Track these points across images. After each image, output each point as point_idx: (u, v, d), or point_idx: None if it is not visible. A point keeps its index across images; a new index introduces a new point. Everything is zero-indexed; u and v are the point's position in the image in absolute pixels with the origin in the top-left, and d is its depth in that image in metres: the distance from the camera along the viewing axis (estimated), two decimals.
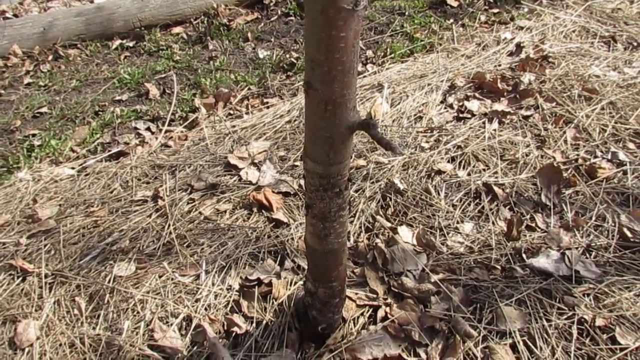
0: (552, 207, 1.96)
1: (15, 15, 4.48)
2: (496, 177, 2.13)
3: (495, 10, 3.75)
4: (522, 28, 3.27)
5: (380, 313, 1.63)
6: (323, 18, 0.84)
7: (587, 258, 1.74)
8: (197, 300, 1.70)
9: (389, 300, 1.66)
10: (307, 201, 1.18)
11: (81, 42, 3.89)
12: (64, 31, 3.83)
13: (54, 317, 1.69)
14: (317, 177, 1.09)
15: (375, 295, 1.68)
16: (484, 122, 2.44)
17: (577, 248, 1.78)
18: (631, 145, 2.20)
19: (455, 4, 3.93)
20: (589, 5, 3.43)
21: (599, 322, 1.52)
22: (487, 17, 3.67)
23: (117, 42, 3.90)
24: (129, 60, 3.72)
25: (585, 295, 1.61)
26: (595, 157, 2.17)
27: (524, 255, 1.78)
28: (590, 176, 2.08)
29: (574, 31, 3.13)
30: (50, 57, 3.76)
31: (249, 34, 3.86)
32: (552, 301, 1.61)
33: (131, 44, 3.91)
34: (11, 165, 2.60)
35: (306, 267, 1.65)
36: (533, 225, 1.92)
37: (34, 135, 2.90)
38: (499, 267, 1.76)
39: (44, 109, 3.15)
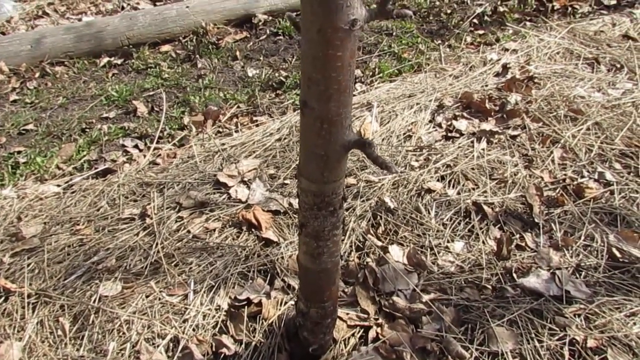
0: (541, 226, 1.97)
1: (2, 33, 4.45)
2: (485, 196, 2.14)
3: (481, 32, 3.82)
4: (507, 50, 3.33)
5: (372, 333, 1.61)
6: (320, 37, 0.84)
7: (577, 278, 1.75)
8: (184, 321, 1.66)
9: (380, 321, 1.64)
10: (300, 220, 1.17)
11: (69, 59, 3.86)
12: (52, 48, 3.80)
13: (36, 338, 1.64)
14: (311, 196, 1.09)
15: (366, 316, 1.67)
16: (472, 142, 2.46)
17: (567, 268, 1.79)
18: (617, 166, 2.23)
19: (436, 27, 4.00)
20: (572, 27, 3.52)
21: (591, 343, 1.51)
22: (473, 38, 3.74)
23: (105, 59, 3.88)
24: (117, 77, 3.70)
25: (576, 316, 1.62)
26: (583, 177, 2.20)
27: (514, 275, 1.78)
28: (578, 196, 2.10)
29: (558, 53, 3.20)
30: (37, 74, 3.73)
31: (238, 53, 3.87)
32: (544, 321, 1.61)
33: (119, 62, 3.89)
34: None
35: (297, 286, 1.64)
36: (523, 244, 1.92)
37: (19, 152, 2.85)
38: (489, 286, 1.75)
39: (30, 126, 3.11)
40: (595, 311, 1.62)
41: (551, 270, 1.77)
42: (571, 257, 1.84)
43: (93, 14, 4.91)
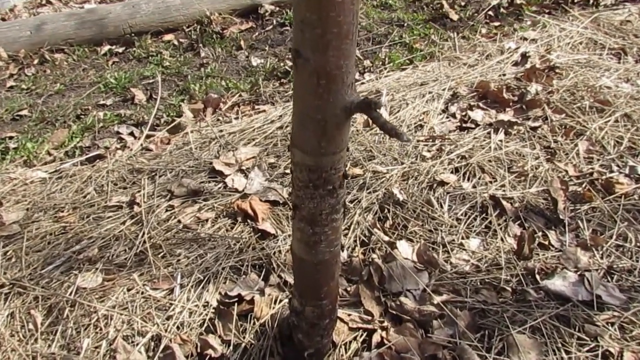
0: (566, 223, 1.79)
1: (3, 19, 4.34)
2: (504, 190, 1.95)
3: (497, 24, 3.63)
4: (526, 39, 3.14)
5: (376, 338, 1.43)
6: None
7: (608, 281, 1.56)
8: (168, 318, 1.50)
9: (385, 324, 1.47)
10: (294, 201, 1.00)
11: (69, 46, 3.73)
12: (52, 35, 3.68)
13: (5, 331, 1.48)
14: (306, 171, 0.91)
15: (370, 318, 1.49)
16: (489, 133, 2.28)
17: (597, 270, 1.59)
18: None
19: (455, 17, 3.82)
20: (596, 17, 3.32)
21: (627, 356, 1.32)
22: (489, 30, 3.56)
23: (106, 47, 3.74)
24: (117, 65, 3.56)
25: (610, 325, 1.42)
26: (612, 171, 2.01)
27: (537, 277, 1.59)
28: (607, 191, 1.91)
29: (581, 42, 3.01)
30: (35, 61, 3.60)
31: (242, 43, 3.72)
32: (571, 330, 1.42)
33: (120, 50, 3.76)
34: None
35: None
36: (546, 243, 1.74)
37: (10, 137, 2.72)
38: (509, 288, 1.57)
39: (24, 112, 2.98)
40: (631, 320, 1.43)
41: (579, 272, 1.58)
42: (601, 258, 1.65)
43: (97, 2, 4.78)
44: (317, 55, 0.76)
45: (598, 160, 2.08)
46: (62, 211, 1.96)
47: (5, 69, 3.52)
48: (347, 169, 2.03)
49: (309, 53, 0.76)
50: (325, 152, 0.88)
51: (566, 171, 2.03)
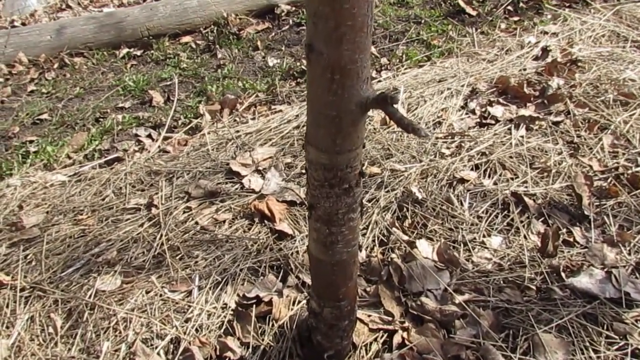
0: (592, 219, 1.73)
1: (24, 24, 4.41)
2: (526, 187, 1.90)
3: (516, 18, 3.56)
4: (547, 33, 3.07)
5: (397, 339, 1.40)
6: None
7: (637, 278, 1.50)
8: (187, 320, 1.49)
9: (406, 324, 1.44)
10: (309, 200, 0.98)
11: (88, 50, 3.78)
12: (72, 39, 3.72)
13: (25, 335, 1.49)
14: (321, 170, 0.89)
15: (390, 318, 1.46)
16: (509, 129, 2.23)
17: (624, 266, 1.54)
18: None
19: (473, 12, 3.76)
20: (618, 10, 3.23)
21: None
22: (508, 25, 3.49)
23: (125, 50, 3.78)
24: (135, 68, 3.59)
25: (639, 322, 1.37)
26: (638, 165, 1.94)
27: (562, 274, 1.54)
28: (633, 186, 1.85)
29: (603, 35, 2.93)
30: (55, 65, 3.65)
31: (259, 43, 3.72)
32: (599, 328, 1.37)
33: (138, 53, 3.79)
34: (4, 172, 2.44)
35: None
36: (571, 240, 1.69)
37: (31, 141, 2.76)
38: (533, 287, 1.52)
39: (45, 116, 3.02)
40: None
41: (606, 269, 1.53)
42: (629, 254, 1.59)
43: (115, 6, 4.84)
44: (330, 48, 0.74)
45: (623, 154, 2.02)
46: (82, 214, 1.98)
47: (26, 74, 3.57)
48: (364, 167, 2.01)
49: (322, 46, 0.74)
50: (340, 150, 0.85)
51: (590, 166, 1.97)
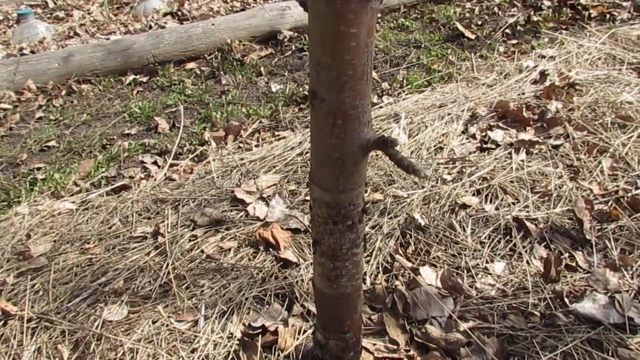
0: (593, 243, 1.75)
1: (32, 52, 4.50)
2: (527, 212, 1.93)
3: (514, 41, 3.62)
4: (544, 56, 3.12)
5: None
6: (329, 11, 0.69)
7: None
8: (193, 351, 1.51)
9: (411, 352, 1.45)
10: (314, 236, 1.00)
11: (95, 77, 3.85)
12: (79, 66, 3.80)
13: None
14: (325, 208, 0.92)
15: (395, 347, 1.47)
16: (510, 153, 2.26)
17: (627, 291, 1.55)
18: None
19: (472, 36, 3.83)
20: (613, 33, 3.28)
21: None
22: (506, 48, 3.55)
23: (131, 77, 3.85)
24: (141, 95, 3.65)
25: None
26: (637, 188, 1.96)
27: (566, 300, 1.56)
28: (634, 209, 1.87)
29: (599, 58, 2.97)
30: (63, 92, 3.72)
31: (262, 69, 3.78)
32: (604, 354, 1.38)
33: (144, 79, 3.86)
34: (12, 199, 2.48)
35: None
36: (573, 264, 1.70)
37: (38, 168, 2.80)
38: (537, 313, 1.54)
39: (52, 143, 3.07)
40: None
41: (609, 294, 1.54)
42: (632, 278, 1.61)
43: (122, 33, 4.94)
44: (333, 95, 0.77)
45: (623, 177, 2.04)
46: (89, 243, 2.00)
47: (35, 100, 3.64)
48: (367, 194, 2.03)
49: (325, 93, 0.78)
50: (343, 189, 0.88)
51: (591, 190, 1.99)
